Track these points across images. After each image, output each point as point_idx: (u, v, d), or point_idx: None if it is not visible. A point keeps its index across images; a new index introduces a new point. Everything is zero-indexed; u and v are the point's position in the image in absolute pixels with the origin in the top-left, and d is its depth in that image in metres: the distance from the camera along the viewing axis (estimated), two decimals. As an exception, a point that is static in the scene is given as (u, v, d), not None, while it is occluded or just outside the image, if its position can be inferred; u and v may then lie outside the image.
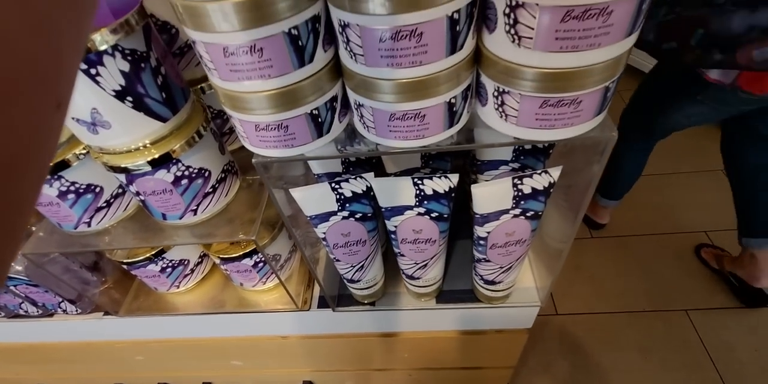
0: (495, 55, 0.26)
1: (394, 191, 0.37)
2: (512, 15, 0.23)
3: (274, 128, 0.28)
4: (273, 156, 0.30)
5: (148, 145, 0.34)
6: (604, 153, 0.31)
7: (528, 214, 0.37)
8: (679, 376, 1.16)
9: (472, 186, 0.35)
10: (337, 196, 0.38)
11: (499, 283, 0.45)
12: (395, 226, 0.40)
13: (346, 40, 0.25)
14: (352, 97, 0.29)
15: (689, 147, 1.66)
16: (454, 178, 0.36)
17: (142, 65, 0.31)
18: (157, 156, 0.34)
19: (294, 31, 0.24)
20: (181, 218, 0.40)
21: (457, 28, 0.24)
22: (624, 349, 1.21)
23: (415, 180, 0.36)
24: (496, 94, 0.28)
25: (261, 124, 0.28)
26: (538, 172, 0.35)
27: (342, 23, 0.24)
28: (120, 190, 0.41)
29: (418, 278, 0.46)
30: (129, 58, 0.30)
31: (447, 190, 0.36)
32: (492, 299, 0.48)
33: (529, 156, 0.40)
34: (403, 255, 0.43)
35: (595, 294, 1.34)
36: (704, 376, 1.15)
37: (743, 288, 1.18)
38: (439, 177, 0.36)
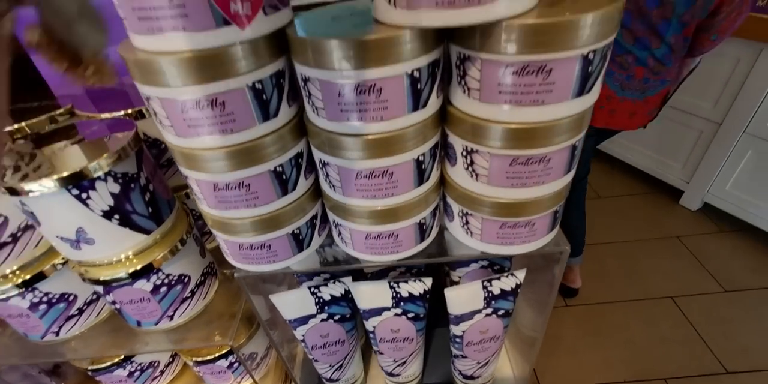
0: (455, 182, 0.29)
1: (372, 294, 0.38)
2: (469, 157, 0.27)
3: (257, 247, 0.30)
4: (256, 271, 0.32)
5: (130, 257, 0.35)
6: (560, 262, 0.34)
7: (499, 313, 0.39)
8: (670, 454, 1.12)
9: (446, 290, 0.37)
10: (316, 300, 0.39)
11: (478, 377, 0.45)
12: (374, 327, 0.40)
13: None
14: (331, 217, 0.31)
15: (645, 216, 1.75)
16: (428, 282, 0.38)
17: (132, 186, 0.33)
18: (138, 267, 0.34)
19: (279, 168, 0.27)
20: (156, 324, 0.39)
21: (419, 86, 0.24)
22: (611, 425, 1.17)
23: (392, 284, 0.38)
24: (461, 214, 0.31)
25: (245, 244, 0.30)
26: (506, 274, 0.38)
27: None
28: (94, 297, 0.40)
29: (398, 375, 0.46)
30: (120, 180, 0.32)
31: (422, 292, 0.38)
32: (472, 394, 0.48)
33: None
34: (382, 353, 0.43)
35: (576, 366, 1.32)
36: (695, 453, 1.11)
37: (564, 287, 1.32)
38: (414, 280, 0.38)
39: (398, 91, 0.23)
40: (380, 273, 0.43)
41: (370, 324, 0.40)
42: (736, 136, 1.39)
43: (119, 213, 0.33)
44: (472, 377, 0.45)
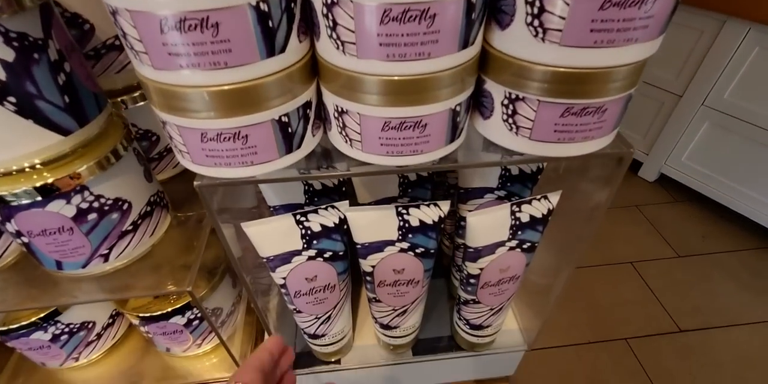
0: (508, 54, 0.21)
1: (374, 224, 0.30)
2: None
3: (229, 138, 0.21)
4: (226, 177, 0.23)
5: (38, 166, 0.24)
6: (620, 171, 0.27)
7: (524, 246, 0.33)
8: (631, 408, 1.16)
9: (468, 214, 0.30)
10: (303, 231, 0.30)
11: (487, 327, 0.39)
12: (372, 267, 0.33)
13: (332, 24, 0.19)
14: (333, 101, 0.23)
15: None
16: (445, 206, 0.30)
17: (36, 56, 0.22)
18: (50, 181, 0.24)
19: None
20: (84, 266, 0.29)
21: (473, 16, 0.19)
22: (578, 382, 1.20)
23: (400, 209, 0.30)
24: (506, 100, 0.23)
25: (210, 132, 0.21)
26: (537, 197, 0.31)
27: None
28: (-6, 233, 0.30)
29: (395, 327, 0.39)
30: (15, 44, 0.21)
31: (436, 220, 0.31)
32: (476, 346, 0.42)
33: (516, 183, 0.36)
34: (379, 301, 0.36)
35: (545, 329, 1.34)
36: (652, 405, 1.16)
37: None
38: (428, 205, 0.30)
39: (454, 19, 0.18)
40: (379, 204, 0.35)
41: (367, 263, 0.33)
42: (695, 109, 1.42)
43: (16, 94, 0.22)
44: (480, 326, 0.39)
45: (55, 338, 0.37)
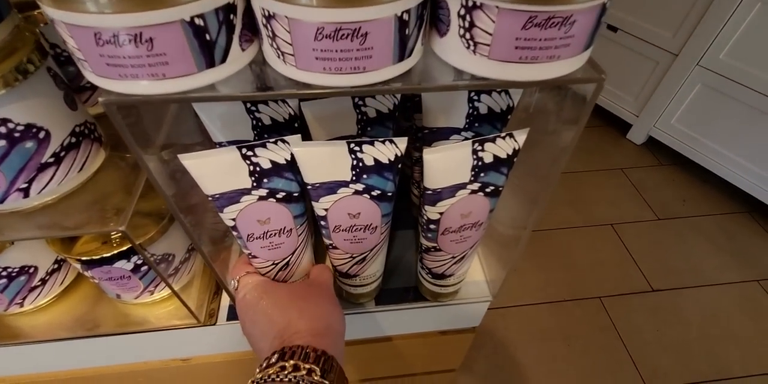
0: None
1: (325, 162, 0.28)
2: None
3: (130, 41, 0.18)
4: (135, 92, 0.20)
5: (-77, 80, 0.21)
6: (586, 105, 0.25)
7: (487, 190, 0.30)
8: (598, 360, 1.22)
9: (425, 151, 0.27)
10: (251, 168, 0.28)
11: (450, 276, 0.38)
12: (325, 210, 0.30)
13: None
14: (259, 3, 0.19)
15: (594, 148, 1.82)
16: (402, 144, 0.28)
17: None
18: (-60, 96, 0.21)
19: None
20: (2, 201, 0.27)
21: None
22: (549, 338, 1.25)
23: (352, 146, 0.27)
24: (462, 12, 0.20)
25: (104, 32, 0.17)
26: (502, 135, 0.28)
27: None
28: None
29: (354, 276, 0.37)
30: None
31: (392, 159, 0.28)
32: (440, 296, 0.41)
33: (485, 123, 0.33)
34: (335, 247, 0.34)
35: (520, 287, 1.37)
36: (618, 358, 1.22)
37: None
38: (383, 142, 0.28)
39: None
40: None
41: (320, 206, 0.30)
42: (689, 68, 1.38)
43: None
44: (443, 275, 0.38)
45: (-8, 282, 0.35)
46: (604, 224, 1.54)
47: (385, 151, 0.28)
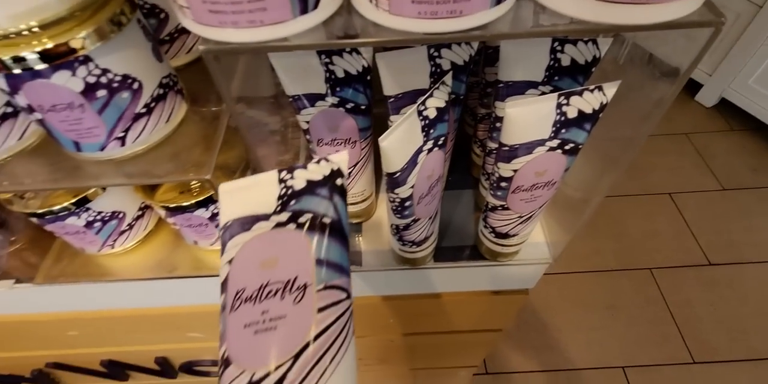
0: None
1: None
2: None
3: (234, -14, 0.18)
4: (233, 40, 0.20)
5: (36, 29, 0.22)
6: (697, 54, 0.22)
7: (566, 147, 0.29)
8: (643, 331, 1.20)
9: (508, 104, 0.26)
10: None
11: (513, 236, 0.38)
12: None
13: None
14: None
15: None
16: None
17: None
18: (50, 46, 0.22)
19: None
20: (102, 149, 0.29)
21: None
22: (593, 307, 1.24)
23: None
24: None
25: (211, -23, 0.17)
26: (590, 88, 0.27)
27: None
28: (9, 109, 0.29)
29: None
30: None
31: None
32: (499, 255, 0.41)
33: (566, 76, 0.31)
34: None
35: (565, 254, 1.35)
36: (665, 330, 1.20)
37: None
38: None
39: None
40: (407, 95, 0.32)
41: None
42: (775, 20, 1.22)
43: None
44: (506, 235, 0.38)
45: (89, 224, 0.38)
46: (661, 193, 1.46)
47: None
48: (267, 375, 0.17)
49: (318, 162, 0.22)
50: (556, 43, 0.30)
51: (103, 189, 0.38)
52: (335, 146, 0.36)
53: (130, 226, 0.42)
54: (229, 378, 0.17)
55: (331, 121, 0.34)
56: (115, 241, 0.42)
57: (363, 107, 0.33)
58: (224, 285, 0.20)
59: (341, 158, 0.22)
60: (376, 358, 0.75)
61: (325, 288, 0.19)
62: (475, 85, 0.42)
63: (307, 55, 0.30)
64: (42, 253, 0.45)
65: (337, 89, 0.32)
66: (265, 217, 0.21)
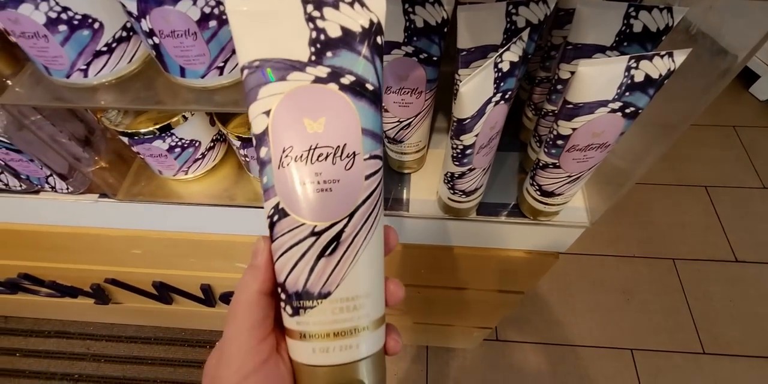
0: None
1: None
2: None
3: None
4: None
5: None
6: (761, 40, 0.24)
7: (627, 111, 0.31)
8: (656, 318, 1.22)
9: (581, 63, 0.28)
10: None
11: (558, 195, 0.40)
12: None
13: None
14: None
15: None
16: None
17: None
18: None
19: None
20: (203, 77, 0.32)
21: None
22: (609, 290, 1.25)
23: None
24: None
25: None
26: (661, 53, 0.28)
27: None
28: (124, 34, 0.32)
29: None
30: None
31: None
32: (540, 214, 0.44)
33: (635, 42, 0.33)
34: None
35: (588, 236, 1.36)
36: (679, 320, 1.21)
37: None
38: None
39: None
40: (479, 50, 0.34)
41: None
42: None
43: None
44: (552, 194, 0.40)
45: (171, 149, 0.42)
46: (697, 185, 1.43)
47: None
48: (328, 228, 0.20)
49: (351, 4, 0.19)
50: (632, 9, 0.31)
51: (185, 118, 0.42)
52: (401, 95, 0.38)
53: (203, 156, 0.46)
54: (289, 226, 0.20)
55: (403, 69, 0.36)
56: (189, 167, 0.46)
57: (435, 59, 0.35)
58: (263, 138, 0.20)
59: (379, 4, 0.20)
60: (397, 309, 0.80)
61: (370, 157, 0.20)
62: (538, 48, 0.43)
63: (391, 3, 0.32)
64: (121, 175, 0.50)
65: (414, 39, 0.34)
66: (300, 66, 0.19)
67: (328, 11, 0.19)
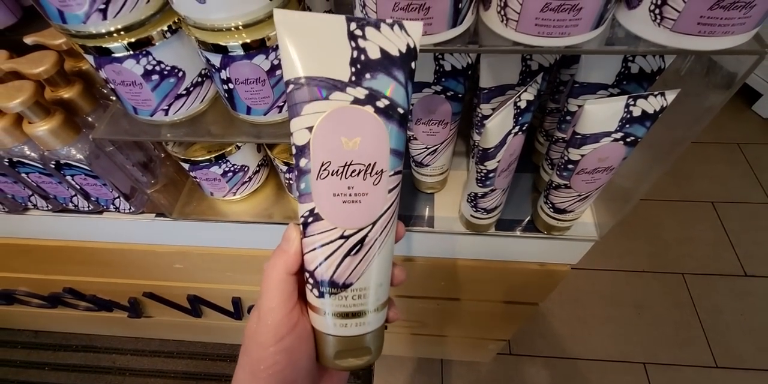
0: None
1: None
2: None
3: (415, 9, 0.26)
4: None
5: (240, 27, 0.31)
6: (745, 74, 0.29)
7: (628, 139, 0.36)
8: (668, 332, 1.24)
9: (587, 102, 0.34)
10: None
11: (570, 212, 0.45)
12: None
13: None
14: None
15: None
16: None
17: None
18: (249, 40, 0.31)
19: None
20: (265, 114, 0.38)
21: None
22: (620, 304, 1.28)
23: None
24: (658, -10, 0.25)
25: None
26: (655, 93, 0.34)
27: None
28: (199, 79, 0.38)
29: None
30: None
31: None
32: (553, 229, 0.48)
33: (633, 82, 0.38)
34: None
35: (598, 251, 1.39)
36: (691, 333, 1.23)
37: None
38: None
39: None
40: (498, 89, 0.40)
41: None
42: None
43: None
44: (564, 211, 0.45)
45: (224, 174, 0.48)
46: (703, 201, 1.47)
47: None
48: (354, 233, 0.24)
49: (392, 26, 0.21)
50: (629, 55, 0.37)
51: (238, 147, 0.48)
52: (429, 125, 0.44)
53: (250, 179, 0.52)
54: (321, 229, 0.23)
55: (432, 105, 0.42)
56: (237, 189, 0.52)
57: (459, 95, 0.41)
58: (304, 150, 0.22)
59: (417, 29, 0.21)
60: (417, 321, 0.84)
61: (394, 173, 0.24)
62: (548, 83, 0.49)
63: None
64: (174, 196, 0.55)
65: (443, 79, 0.40)
66: (341, 87, 0.21)
67: (369, 31, 0.21)
